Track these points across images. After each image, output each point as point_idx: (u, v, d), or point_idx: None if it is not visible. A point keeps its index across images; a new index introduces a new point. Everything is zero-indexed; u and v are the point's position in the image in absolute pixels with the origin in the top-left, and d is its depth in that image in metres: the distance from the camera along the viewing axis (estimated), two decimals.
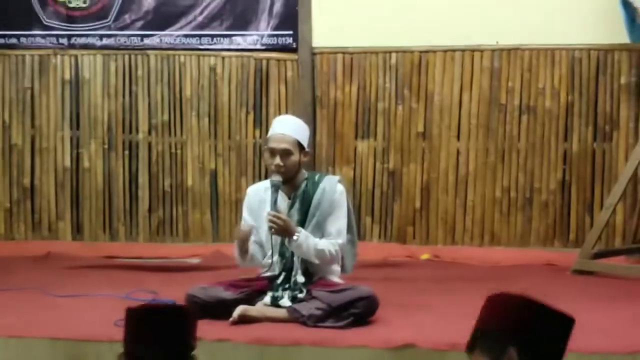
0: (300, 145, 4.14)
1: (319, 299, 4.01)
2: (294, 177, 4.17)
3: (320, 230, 4.15)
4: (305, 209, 4.17)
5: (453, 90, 6.36)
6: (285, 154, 4.09)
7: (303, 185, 4.21)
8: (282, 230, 4.02)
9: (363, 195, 6.47)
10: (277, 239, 4.16)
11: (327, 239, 4.14)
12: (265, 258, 4.22)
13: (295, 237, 4.02)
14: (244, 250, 4.10)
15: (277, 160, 4.08)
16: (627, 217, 6.15)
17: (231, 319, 3.95)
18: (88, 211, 6.63)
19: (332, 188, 4.19)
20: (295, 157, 4.11)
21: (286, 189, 4.20)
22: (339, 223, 4.18)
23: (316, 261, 4.11)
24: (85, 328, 3.98)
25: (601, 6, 6.14)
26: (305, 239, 4.05)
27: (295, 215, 4.17)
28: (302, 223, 4.15)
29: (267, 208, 4.11)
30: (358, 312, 3.97)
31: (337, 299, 3.96)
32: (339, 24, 6.40)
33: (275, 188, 4.07)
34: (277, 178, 4.08)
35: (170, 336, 2.04)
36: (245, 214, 4.30)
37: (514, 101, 6.31)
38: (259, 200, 4.25)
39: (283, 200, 4.20)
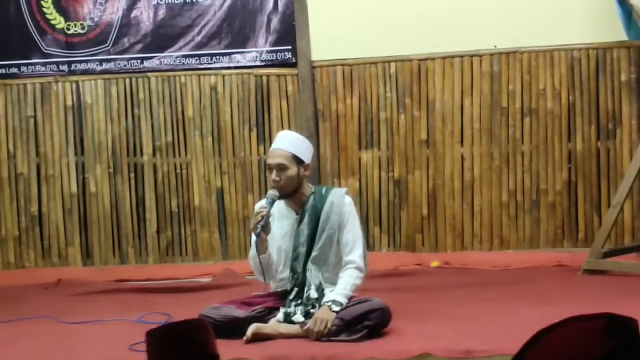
0: (298, 159, 4.14)
1: None
2: (296, 191, 4.18)
3: (331, 243, 4.17)
4: (315, 223, 4.18)
5: (454, 96, 6.37)
6: (280, 168, 4.11)
7: (310, 199, 4.22)
8: (325, 326, 3.94)
9: (370, 205, 6.47)
10: (287, 254, 4.18)
11: (345, 257, 4.16)
12: (276, 273, 4.22)
13: (337, 310, 3.99)
14: (263, 248, 4.06)
15: (274, 175, 4.11)
16: (635, 214, 6.14)
17: (245, 338, 3.95)
18: (97, 236, 6.65)
19: (340, 201, 4.21)
20: (291, 172, 4.12)
21: (293, 204, 4.22)
22: (355, 232, 4.21)
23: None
24: (101, 354, 3.97)
25: (597, 5, 6.15)
26: (338, 298, 4.02)
27: (305, 229, 4.18)
28: (312, 237, 4.17)
29: (275, 222, 4.13)
30: (371, 324, 3.97)
31: (349, 313, 3.96)
32: (336, 36, 6.42)
33: (271, 202, 4.08)
34: (273, 193, 4.12)
35: (191, 351, 2.06)
36: None
37: (516, 104, 6.31)
38: None
39: (291, 215, 4.21)
